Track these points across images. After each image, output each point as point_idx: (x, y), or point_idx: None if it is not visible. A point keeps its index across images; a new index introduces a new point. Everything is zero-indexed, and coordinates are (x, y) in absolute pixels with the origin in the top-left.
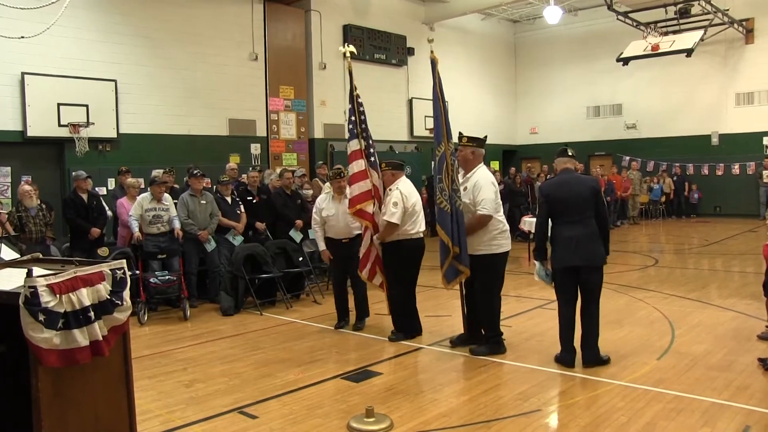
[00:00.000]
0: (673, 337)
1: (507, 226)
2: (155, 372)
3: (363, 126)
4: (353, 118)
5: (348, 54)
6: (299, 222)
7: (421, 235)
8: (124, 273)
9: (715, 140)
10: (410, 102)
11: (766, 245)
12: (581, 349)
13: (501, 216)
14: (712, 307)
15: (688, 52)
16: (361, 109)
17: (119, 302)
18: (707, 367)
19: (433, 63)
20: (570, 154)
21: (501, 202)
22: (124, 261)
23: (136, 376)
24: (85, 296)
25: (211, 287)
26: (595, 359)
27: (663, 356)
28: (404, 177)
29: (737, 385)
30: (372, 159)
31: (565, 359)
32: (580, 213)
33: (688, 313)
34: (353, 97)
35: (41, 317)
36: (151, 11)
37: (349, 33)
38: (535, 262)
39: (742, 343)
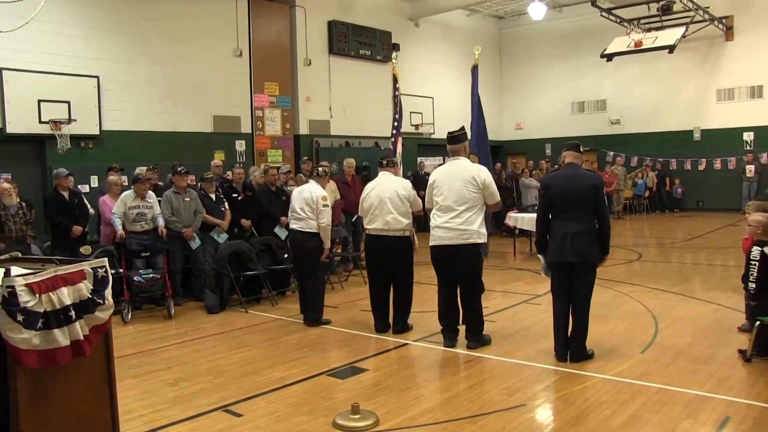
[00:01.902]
0: (656, 330)
1: (431, 224)
2: (139, 371)
3: (395, 124)
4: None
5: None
6: (284, 219)
7: (372, 232)
8: (105, 271)
9: (697, 135)
10: None
11: (745, 239)
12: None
13: (433, 213)
14: (694, 300)
15: (671, 49)
16: (397, 109)
17: (101, 301)
18: (690, 359)
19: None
20: (581, 150)
21: (439, 201)
22: (106, 259)
23: (120, 375)
24: (65, 295)
25: (195, 285)
26: (580, 358)
27: (647, 349)
28: (384, 173)
29: (718, 377)
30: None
31: (557, 353)
32: (577, 208)
33: (672, 306)
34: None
35: (20, 317)
36: (134, 6)
37: (334, 29)
38: (539, 256)
39: (723, 335)
